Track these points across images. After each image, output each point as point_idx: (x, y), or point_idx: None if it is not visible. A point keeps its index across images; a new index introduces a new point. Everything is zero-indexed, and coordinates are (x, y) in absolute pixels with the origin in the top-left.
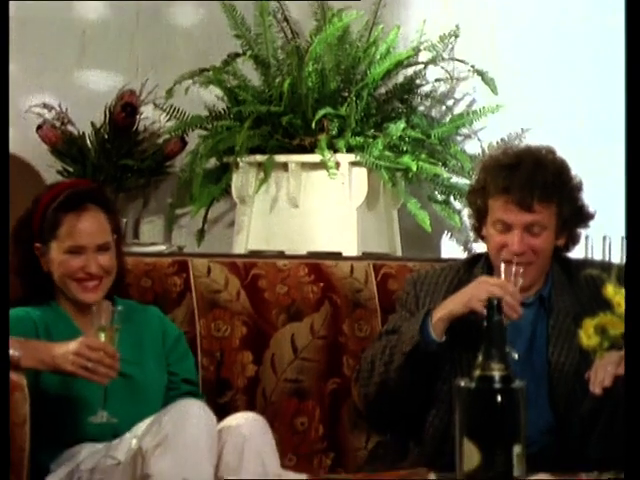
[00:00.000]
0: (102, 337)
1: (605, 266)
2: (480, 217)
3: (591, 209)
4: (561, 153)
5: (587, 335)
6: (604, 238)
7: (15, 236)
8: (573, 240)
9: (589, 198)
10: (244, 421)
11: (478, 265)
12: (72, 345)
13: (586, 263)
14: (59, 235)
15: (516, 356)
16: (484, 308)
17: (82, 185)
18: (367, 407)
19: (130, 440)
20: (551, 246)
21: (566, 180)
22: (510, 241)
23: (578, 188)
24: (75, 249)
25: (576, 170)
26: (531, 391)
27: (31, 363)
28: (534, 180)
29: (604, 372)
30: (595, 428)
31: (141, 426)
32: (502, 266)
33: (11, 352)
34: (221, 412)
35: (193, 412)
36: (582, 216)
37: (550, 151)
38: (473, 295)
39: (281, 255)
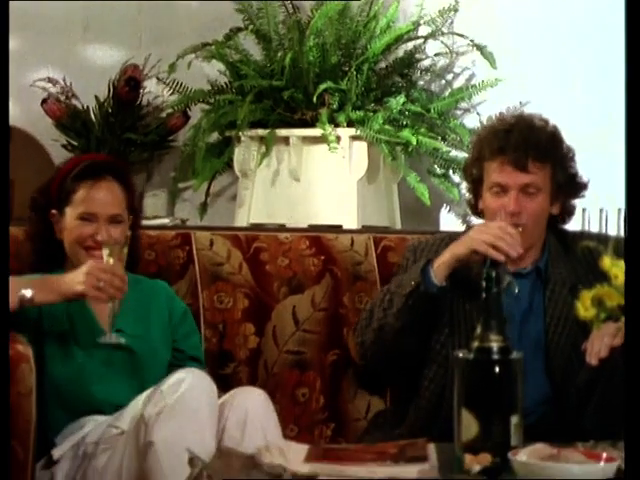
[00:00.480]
0: (110, 261)
1: (602, 238)
2: (476, 188)
3: (584, 179)
4: (560, 126)
5: (584, 307)
6: (601, 210)
7: (33, 204)
8: (568, 211)
9: (586, 171)
10: (246, 396)
11: None
12: (82, 268)
13: (583, 235)
14: (74, 201)
15: None
16: (488, 248)
17: (103, 158)
18: (362, 356)
19: (133, 409)
20: (546, 210)
21: (559, 144)
22: (506, 203)
23: (571, 156)
24: (87, 216)
25: (574, 143)
26: (528, 361)
27: (44, 297)
28: (528, 141)
29: (600, 343)
30: (591, 399)
31: (143, 395)
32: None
33: (23, 292)
34: (223, 384)
35: (194, 381)
36: (576, 184)
37: (543, 119)
38: (475, 237)
39: (282, 228)
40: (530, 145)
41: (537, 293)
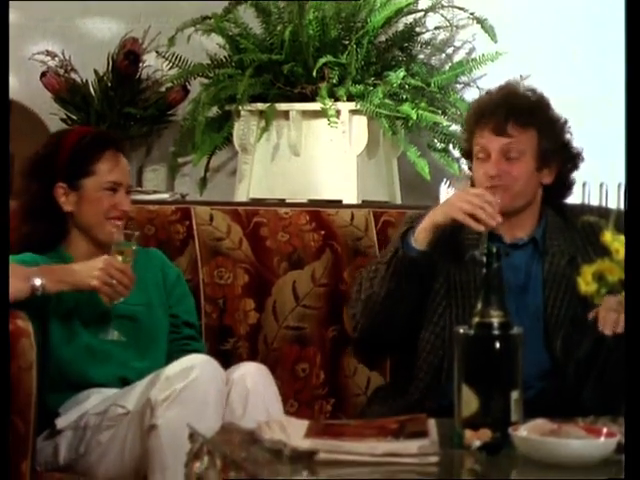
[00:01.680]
0: (119, 259)
1: (602, 212)
2: (469, 159)
3: (578, 148)
4: (560, 100)
5: (585, 281)
6: (601, 185)
7: (30, 177)
8: (563, 182)
9: (586, 145)
10: (248, 372)
11: None
12: (97, 262)
13: (583, 208)
14: (97, 171)
15: None
16: (466, 217)
17: (99, 130)
18: (355, 328)
19: (139, 390)
20: (532, 176)
21: (545, 110)
22: (488, 167)
23: (561, 124)
24: (114, 185)
25: (574, 117)
26: (526, 335)
27: (56, 286)
28: (508, 104)
29: (612, 315)
30: (591, 373)
31: (150, 378)
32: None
33: (34, 281)
34: (224, 359)
35: (204, 369)
36: (568, 153)
37: (530, 88)
38: (454, 204)
39: (282, 203)
40: (510, 109)
41: (535, 265)
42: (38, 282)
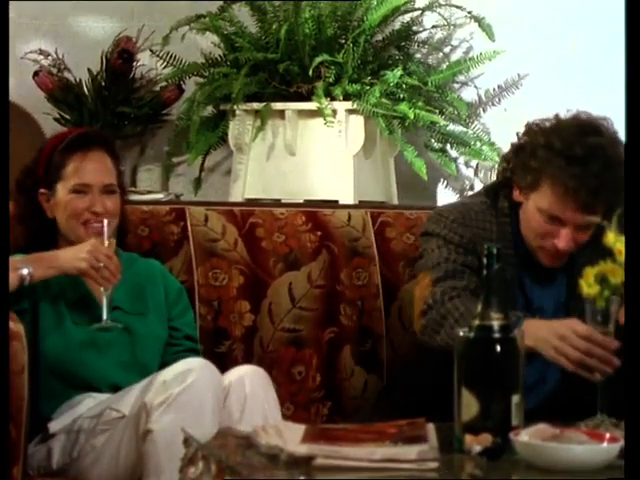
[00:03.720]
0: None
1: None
2: (524, 186)
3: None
4: (558, 99)
5: (587, 283)
6: None
7: (19, 185)
8: None
9: None
10: (246, 376)
11: (501, 198)
12: (84, 246)
13: None
14: (65, 175)
15: None
16: (560, 359)
17: (88, 129)
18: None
19: (135, 394)
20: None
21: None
22: (557, 234)
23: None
24: (81, 187)
25: None
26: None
27: (43, 273)
28: (604, 182)
29: None
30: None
31: (146, 382)
32: None
33: (21, 270)
34: (219, 361)
35: (201, 374)
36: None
37: (618, 142)
38: (547, 340)
39: (278, 203)
40: (605, 189)
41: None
42: (25, 271)
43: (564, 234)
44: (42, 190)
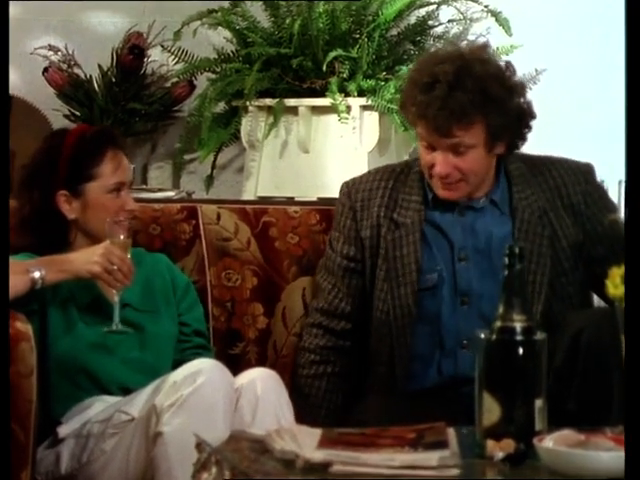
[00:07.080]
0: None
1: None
2: (410, 123)
3: (533, 110)
4: (574, 95)
5: (613, 284)
6: (601, 182)
7: (30, 187)
8: (516, 145)
9: (587, 143)
10: (259, 378)
11: (414, 169)
12: (96, 249)
13: (551, 159)
14: (98, 174)
15: None
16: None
17: (102, 127)
18: None
19: (144, 397)
20: (485, 159)
21: (492, 93)
22: (436, 161)
23: (512, 94)
24: (119, 186)
25: (586, 113)
26: (494, 301)
27: (55, 277)
28: (448, 104)
29: None
30: (572, 383)
31: (156, 383)
32: None
33: (33, 273)
34: (232, 363)
35: (212, 375)
36: (522, 121)
37: (478, 59)
38: None
39: (292, 201)
40: (452, 109)
41: (497, 227)
42: (37, 274)
43: (438, 159)
44: (62, 191)
